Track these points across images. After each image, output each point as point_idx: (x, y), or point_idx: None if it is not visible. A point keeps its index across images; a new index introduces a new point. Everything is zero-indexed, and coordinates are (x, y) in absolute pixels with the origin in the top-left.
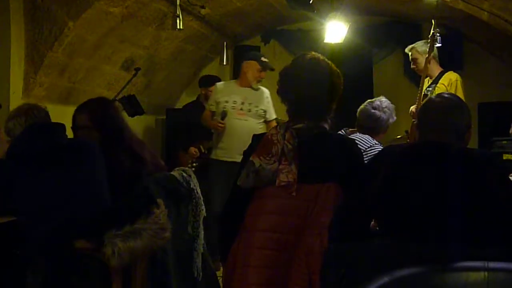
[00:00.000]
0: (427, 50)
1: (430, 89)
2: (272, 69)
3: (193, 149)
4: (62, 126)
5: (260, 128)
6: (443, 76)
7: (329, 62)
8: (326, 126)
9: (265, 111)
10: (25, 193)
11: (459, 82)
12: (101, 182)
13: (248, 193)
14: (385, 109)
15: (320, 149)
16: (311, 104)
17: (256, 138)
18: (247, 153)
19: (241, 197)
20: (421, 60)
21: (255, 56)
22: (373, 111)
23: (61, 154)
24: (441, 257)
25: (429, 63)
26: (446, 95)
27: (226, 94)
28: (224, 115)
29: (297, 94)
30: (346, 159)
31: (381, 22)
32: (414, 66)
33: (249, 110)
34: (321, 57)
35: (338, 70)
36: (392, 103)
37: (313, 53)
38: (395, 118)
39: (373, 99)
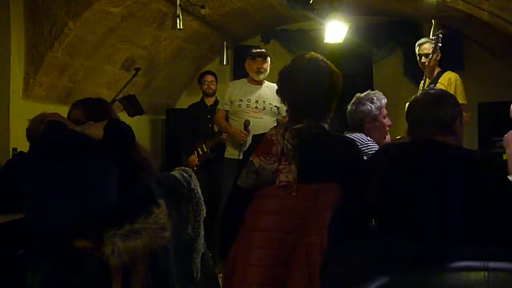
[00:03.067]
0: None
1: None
2: (262, 53)
3: (192, 158)
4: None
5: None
6: (442, 76)
7: (329, 62)
8: (326, 126)
9: (277, 107)
10: (34, 190)
11: (458, 82)
12: (102, 181)
13: (248, 193)
14: (356, 101)
15: (320, 149)
16: (311, 104)
17: (256, 138)
18: (247, 153)
19: (241, 197)
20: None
21: (248, 53)
22: (349, 108)
23: (65, 153)
24: (440, 256)
25: (436, 62)
26: (430, 91)
27: (240, 92)
28: (247, 124)
29: (297, 94)
30: (346, 158)
31: (381, 22)
32: (426, 60)
33: (264, 108)
34: (321, 57)
35: (338, 70)
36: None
37: (313, 53)
38: (370, 107)
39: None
